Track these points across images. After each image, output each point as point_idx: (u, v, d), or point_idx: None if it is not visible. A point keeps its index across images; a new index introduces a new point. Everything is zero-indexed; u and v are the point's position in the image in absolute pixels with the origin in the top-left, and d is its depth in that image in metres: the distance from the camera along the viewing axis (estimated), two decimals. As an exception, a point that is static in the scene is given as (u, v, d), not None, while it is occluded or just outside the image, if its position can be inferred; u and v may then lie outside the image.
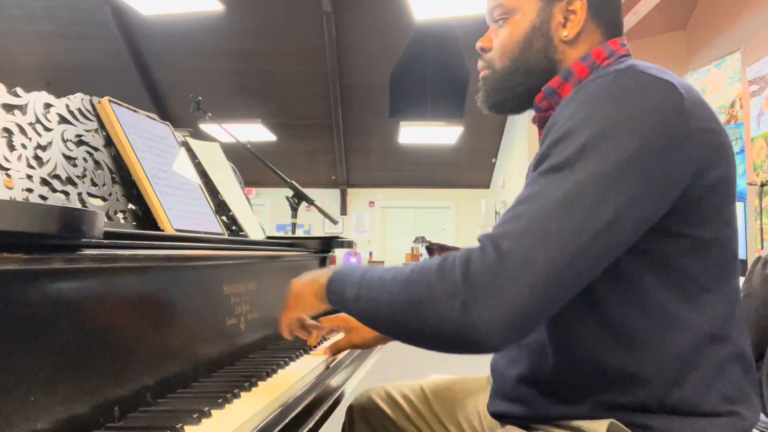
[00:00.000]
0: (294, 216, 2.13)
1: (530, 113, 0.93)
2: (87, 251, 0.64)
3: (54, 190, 0.81)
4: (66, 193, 0.83)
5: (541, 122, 0.89)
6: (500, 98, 0.91)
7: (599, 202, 0.65)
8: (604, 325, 0.74)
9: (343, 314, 1.17)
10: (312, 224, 11.76)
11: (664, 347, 0.73)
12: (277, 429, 0.74)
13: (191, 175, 1.21)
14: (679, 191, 0.70)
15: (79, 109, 0.96)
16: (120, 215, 0.96)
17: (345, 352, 1.20)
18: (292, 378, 0.91)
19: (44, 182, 0.80)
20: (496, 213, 9.89)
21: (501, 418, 0.89)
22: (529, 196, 0.69)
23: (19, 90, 0.83)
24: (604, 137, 0.67)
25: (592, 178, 0.66)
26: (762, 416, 1.41)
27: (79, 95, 0.97)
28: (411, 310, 0.69)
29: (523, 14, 0.86)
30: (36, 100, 0.85)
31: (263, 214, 12.02)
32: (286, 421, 0.77)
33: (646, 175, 0.67)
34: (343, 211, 12.81)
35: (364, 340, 1.08)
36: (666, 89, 0.71)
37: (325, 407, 0.95)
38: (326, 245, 1.59)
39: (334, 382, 1.03)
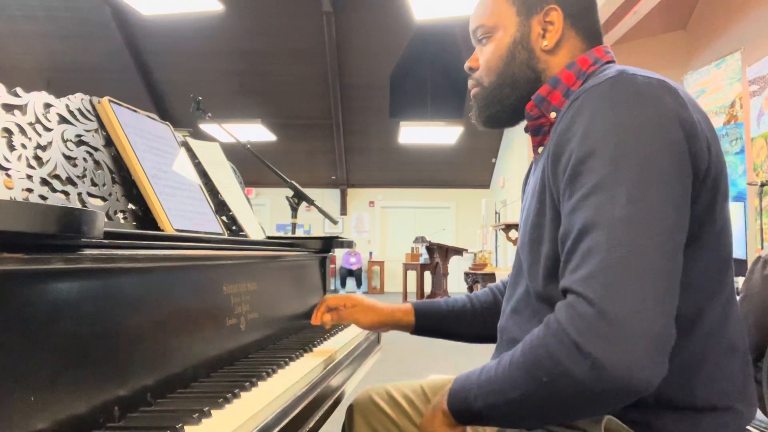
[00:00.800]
0: (294, 216, 2.13)
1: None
2: (87, 251, 0.64)
3: (54, 190, 0.81)
4: (66, 193, 0.83)
5: (533, 130, 0.91)
6: (492, 113, 0.95)
7: (659, 206, 0.66)
8: None
9: (348, 294, 1.18)
10: (312, 224, 11.77)
11: None
12: (277, 429, 0.74)
13: (191, 175, 1.21)
14: (700, 180, 0.72)
15: (79, 109, 0.96)
16: (120, 215, 0.96)
17: (345, 352, 1.20)
18: (292, 378, 0.91)
19: (44, 182, 0.80)
20: (496, 213, 9.89)
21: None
22: (586, 224, 0.67)
23: (19, 90, 0.83)
24: (631, 144, 0.69)
25: (639, 186, 0.66)
26: (762, 416, 1.41)
27: (79, 95, 0.97)
28: (548, 393, 0.66)
29: (503, 31, 0.91)
30: (36, 100, 0.85)
31: (263, 214, 12.03)
32: (286, 421, 0.77)
33: (681, 169, 0.69)
34: (343, 211, 12.82)
35: (365, 317, 1.14)
36: (663, 87, 0.74)
37: (325, 407, 0.95)
38: (326, 245, 1.59)
39: (334, 382, 1.03)
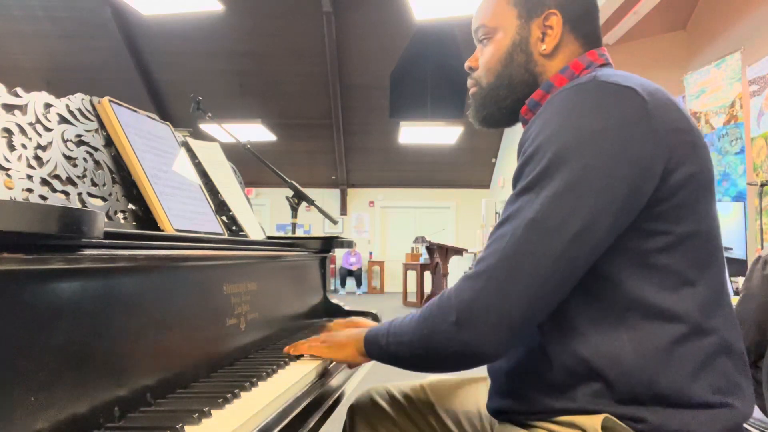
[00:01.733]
0: (294, 216, 2.13)
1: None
2: (87, 251, 0.64)
3: (54, 190, 0.81)
4: (66, 193, 0.83)
5: None
6: (488, 113, 0.97)
7: (566, 217, 0.72)
8: (589, 319, 0.77)
9: (353, 318, 1.19)
10: (312, 224, 11.77)
11: (647, 338, 0.74)
12: (278, 429, 0.74)
13: (191, 175, 1.21)
14: (648, 192, 0.73)
15: (79, 109, 0.96)
16: (120, 215, 0.96)
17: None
18: (293, 378, 0.91)
19: (44, 182, 0.80)
20: (496, 213, 9.89)
21: (499, 414, 0.89)
22: (507, 217, 0.76)
23: (19, 90, 0.83)
24: (567, 154, 0.73)
25: (558, 195, 0.72)
26: (762, 416, 1.41)
27: (79, 95, 0.97)
28: (425, 343, 0.79)
29: (504, 33, 0.92)
30: (36, 100, 0.85)
31: (263, 214, 12.02)
32: (287, 421, 0.77)
33: (611, 184, 0.72)
34: (343, 211, 12.82)
35: None
36: (627, 97, 0.75)
37: (325, 407, 0.95)
38: (326, 245, 1.59)
39: (334, 382, 1.03)
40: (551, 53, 0.89)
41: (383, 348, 0.87)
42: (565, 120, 0.75)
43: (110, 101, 1.02)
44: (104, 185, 0.94)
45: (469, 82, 0.98)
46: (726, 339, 0.77)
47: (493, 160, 11.99)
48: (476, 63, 0.97)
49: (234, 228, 1.40)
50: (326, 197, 12.34)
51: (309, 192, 2.14)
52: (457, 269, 10.42)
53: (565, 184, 0.72)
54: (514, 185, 0.79)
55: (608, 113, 0.74)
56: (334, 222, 2.17)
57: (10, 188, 0.73)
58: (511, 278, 0.72)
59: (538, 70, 0.90)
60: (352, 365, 1.03)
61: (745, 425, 0.77)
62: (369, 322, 1.15)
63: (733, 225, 4.31)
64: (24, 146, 0.79)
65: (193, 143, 1.37)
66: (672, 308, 0.74)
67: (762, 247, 4.46)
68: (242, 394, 0.80)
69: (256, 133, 9.34)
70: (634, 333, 0.74)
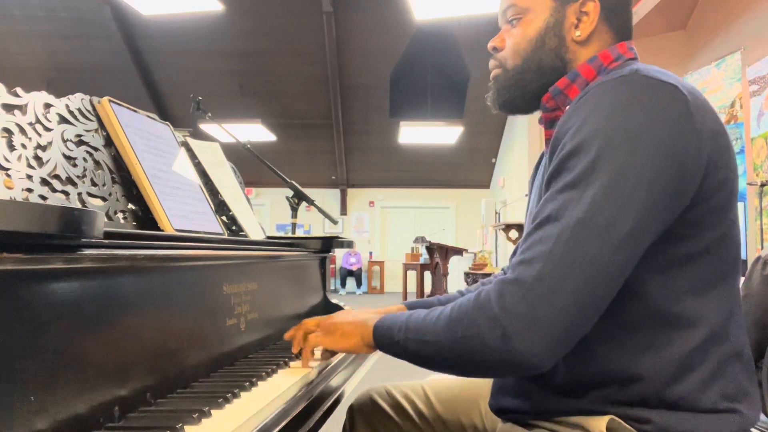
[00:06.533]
0: (294, 216, 2.13)
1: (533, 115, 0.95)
2: (87, 251, 0.64)
3: (54, 190, 0.81)
4: (66, 193, 0.83)
5: (547, 122, 0.90)
6: (510, 97, 0.92)
7: (617, 216, 0.68)
8: (605, 323, 0.74)
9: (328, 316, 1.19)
10: (312, 224, 11.77)
11: (664, 346, 0.73)
12: (277, 429, 0.74)
13: (191, 175, 1.21)
14: (690, 193, 0.71)
15: (79, 109, 0.96)
16: (120, 215, 0.96)
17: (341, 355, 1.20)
18: (292, 378, 0.91)
19: (44, 182, 0.80)
20: (496, 213, 9.89)
21: (502, 413, 0.89)
22: (550, 216, 0.71)
23: (19, 90, 0.83)
24: (614, 149, 0.69)
25: (607, 192, 0.68)
26: (762, 416, 1.41)
27: (79, 95, 0.97)
28: (458, 347, 0.73)
29: (536, 14, 0.88)
30: (36, 100, 0.85)
31: (263, 214, 12.03)
32: (286, 421, 0.77)
33: (658, 182, 0.69)
34: (343, 211, 12.82)
35: None
36: (671, 93, 0.72)
37: (325, 407, 0.95)
38: (326, 245, 1.59)
39: (334, 382, 1.03)
40: (585, 41, 0.86)
41: (399, 343, 0.80)
42: (610, 114, 0.71)
43: (110, 101, 1.02)
44: (104, 185, 0.94)
45: (492, 63, 0.94)
46: (738, 345, 0.77)
47: (493, 160, 11.99)
48: (502, 44, 0.92)
49: (234, 228, 1.40)
50: (326, 197, 12.34)
51: (309, 192, 2.14)
52: (457, 269, 10.42)
53: (613, 181, 0.68)
54: (551, 181, 0.74)
55: (654, 109, 0.70)
56: (334, 222, 2.18)
57: (10, 188, 0.73)
58: (561, 285, 0.67)
59: (569, 57, 0.87)
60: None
61: None
62: (347, 311, 1.14)
63: (733, 225, 4.28)
64: (24, 146, 0.79)
65: (193, 143, 1.37)
66: (691, 315, 0.73)
67: (762, 247, 4.46)
68: (242, 394, 0.80)
69: (255, 133, 9.34)
70: (651, 340, 0.73)
